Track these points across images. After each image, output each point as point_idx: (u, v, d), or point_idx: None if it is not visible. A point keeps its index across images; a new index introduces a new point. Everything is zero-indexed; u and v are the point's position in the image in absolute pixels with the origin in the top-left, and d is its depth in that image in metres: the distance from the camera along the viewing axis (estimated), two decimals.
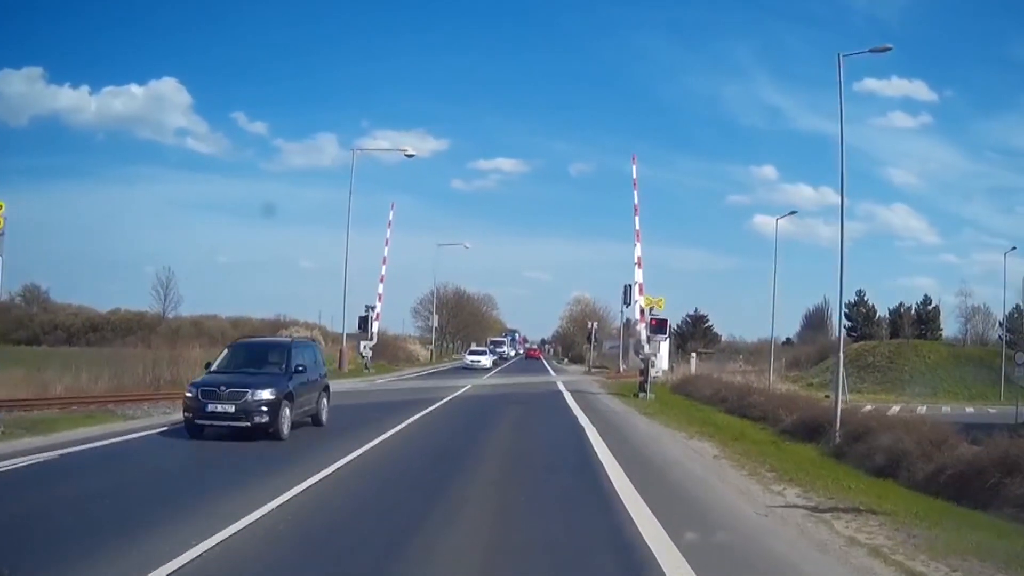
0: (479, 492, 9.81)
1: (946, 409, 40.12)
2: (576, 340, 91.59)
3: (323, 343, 65.65)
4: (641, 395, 27.78)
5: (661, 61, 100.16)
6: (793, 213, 54.56)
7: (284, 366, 14.36)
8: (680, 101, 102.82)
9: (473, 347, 65.90)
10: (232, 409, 13.19)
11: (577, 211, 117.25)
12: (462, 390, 28.89)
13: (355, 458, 11.65)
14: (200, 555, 6.28)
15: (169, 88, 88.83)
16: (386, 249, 45.85)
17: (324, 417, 16.01)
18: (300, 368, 14.51)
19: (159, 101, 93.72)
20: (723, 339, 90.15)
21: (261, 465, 11.13)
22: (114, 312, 73.61)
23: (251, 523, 7.40)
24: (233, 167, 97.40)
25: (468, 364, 52.56)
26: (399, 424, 16.31)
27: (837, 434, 16.92)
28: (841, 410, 17.69)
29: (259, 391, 13.31)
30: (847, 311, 75.99)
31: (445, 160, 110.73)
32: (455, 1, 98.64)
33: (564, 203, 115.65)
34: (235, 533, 7.01)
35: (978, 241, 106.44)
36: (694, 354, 54.14)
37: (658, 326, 29.09)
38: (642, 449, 14.63)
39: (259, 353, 15.43)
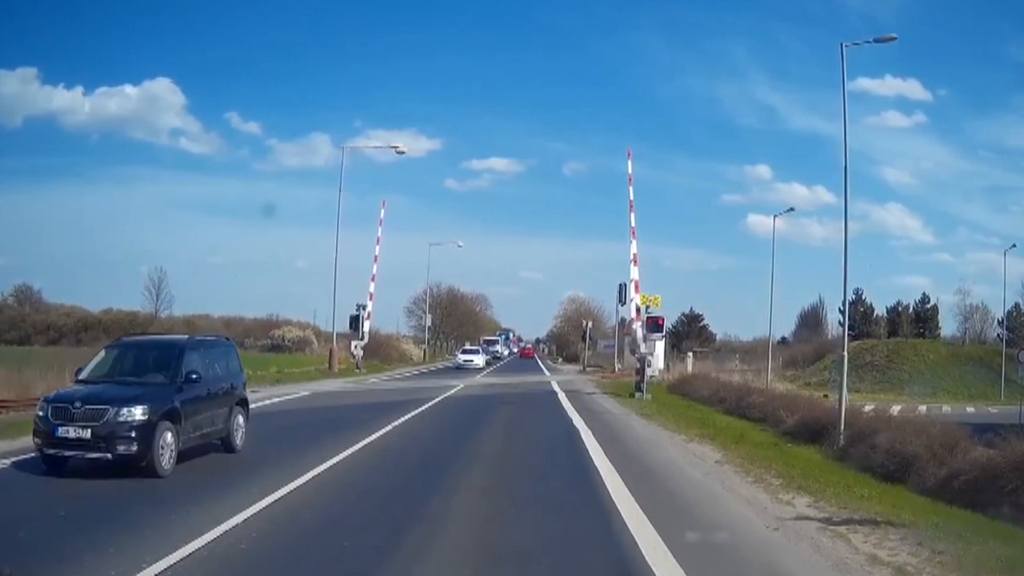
0: (465, 504, 8.99)
1: (947, 409, 39.61)
2: (571, 339, 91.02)
3: (316, 342, 66.21)
4: (637, 395, 27.04)
5: (656, 60, 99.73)
6: (791, 210, 53.90)
7: (171, 374, 10.84)
8: (675, 100, 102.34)
9: (466, 346, 65.24)
10: (88, 434, 9.65)
11: (571, 211, 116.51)
12: (453, 391, 28.14)
13: (323, 471, 10.55)
14: None
15: (163, 88, 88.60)
16: (377, 248, 45.19)
17: (239, 440, 12.30)
18: (194, 376, 10.98)
19: (153, 102, 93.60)
20: (718, 338, 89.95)
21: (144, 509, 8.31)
22: (106, 312, 73.70)
23: None
24: (227, 167, 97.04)
25: (461, 364, 51.91)
26: (382, 428, 15.38)
27: (841, 436, 16.26)
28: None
29: (126, 408, 9.77)
30: (843, 310, 75.61)
31: (439, 160, 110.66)
32: (449, 1, 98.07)
33: (558, 203, 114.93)
34: None
35: (973, 240, 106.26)
36: (691, 353, 53.48)
37: (654, 324, 28.37)
38: (640, 453, 13.86)
39: (141, 356, 11.58)
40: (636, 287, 29.33)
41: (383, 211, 46.36)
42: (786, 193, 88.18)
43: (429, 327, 74.49)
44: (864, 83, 74.56)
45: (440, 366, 55.73)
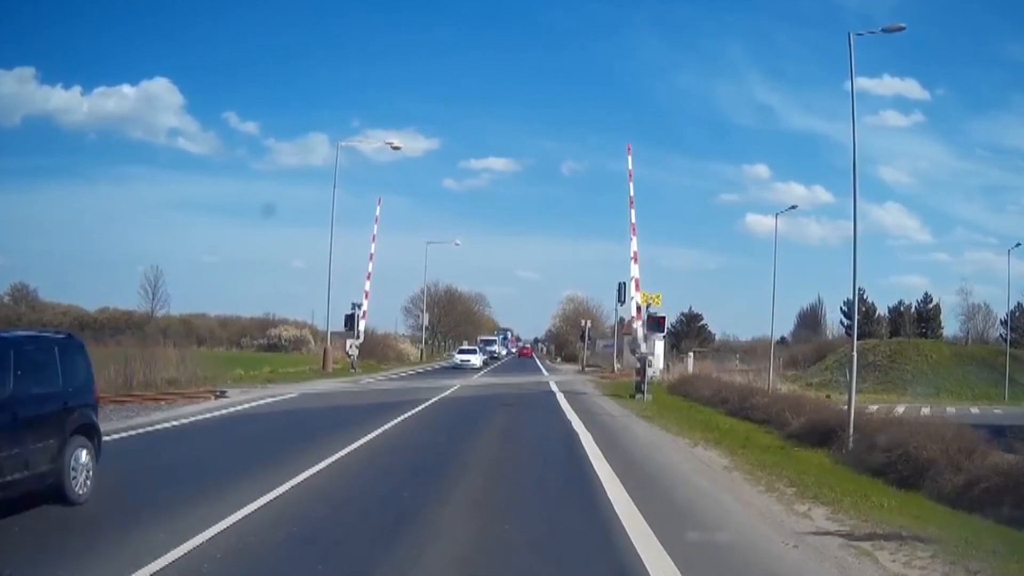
0: (454, 519, 8.18)
1: (951, 410, 38.95)
2: (569, 339, 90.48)
3: (313, 342, 65.64)
4: (638, 396, 26.37)
5: (653, 60, 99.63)
6: (794, 207, 53.48)
7: None
8: (672, 100, 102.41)
9: (463, 346, 64.57)
10: None
11: (569, 210, 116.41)
12: (449, 391, 27.42)
13: (303, 481, 9.69)
14: None
15: (161, 88, 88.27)
16: (373, 245, 44.59)
17: (80, 486, 8.39)
18: None
19: (151, 101, 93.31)
20: (716, 338, 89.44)
21: None
22: (102, 311, 73.76)
23: None
24: (225, 167, 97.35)
25: (458, 363, 51.26)
26: (370, 433, 14.50)
27: (850, 439, 15.60)
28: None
29: None
30: (846, 309, 75.04)
31: (436, 159, 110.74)
32: (447, 1, 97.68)
33: (556, 202, 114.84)
34: None
35: (970, 240, 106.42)
36: (691, 353, 52.80)
37: (655, 323, 27.67)
38: (643, 460, 13.08)
39: None
40: (636, 285, 28.60)
41: (379, 208, 46.09)
42: (784, 193, 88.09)
43: (426, 326, 73.85)
44: (862, 82, 73.79)
45: (437, 366, 55.06)
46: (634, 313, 28.72)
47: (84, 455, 8.54)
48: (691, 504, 9.46)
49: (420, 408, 20.38)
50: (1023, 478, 10.92)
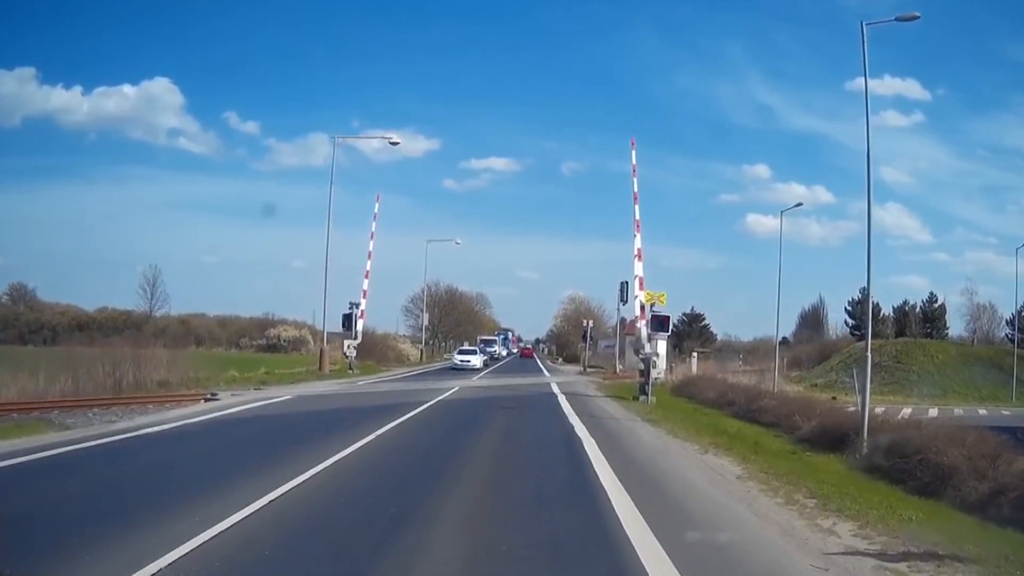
0: (444, 540, 7.33)
1: (958, 411, 38.35)
2: (571, 339, 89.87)
3: (312, 342, 65.05)
4: (642, 398, 25.65)
5: (653, 60, 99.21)
6: (799, 205, 52.93)
7: None
8: (672, 100, 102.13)
9: (463, 346, 63.83)
10: None
11: (569, 210, 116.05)
12: (447, 393, 26.67)
13: (280, 495, 8.89)
14: None
15: (161, 88, 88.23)
16: (371, 244, 43.92)
17: None
18: None
19: (151, 101, 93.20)
20: (718, 338, 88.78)
21: None
22: (101, 311, 73.80)
23: None
24: (225, 167, 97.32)
25: (457, 364, 50.52)
26: (360, 440, 13.55)
27: (864, 444, 14.90)
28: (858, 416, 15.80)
29: None
30: (851, 309, 74.34)
31: (437, 160, 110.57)
32: (447, 1, 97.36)
33: (556, 202, 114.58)
34: None
35: (970, 240, 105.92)
36: (695, 353, 52.07)
37: (659, 323, 26.92)
38: (650, 468, 12.30)
39: None
40: (640, 284, 27.84)
41: (377, 205, 45.61)
42: (784, 193, 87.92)
43: (426, 326, 73.15)
44: (863, 83, 73.34)
45: (437, 367, 54.30)
46: (638, 312, 27.98)
47: None
48: (706, 519, 8.69)
49: (415, 412, 19.57)
50: None
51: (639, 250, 28.18)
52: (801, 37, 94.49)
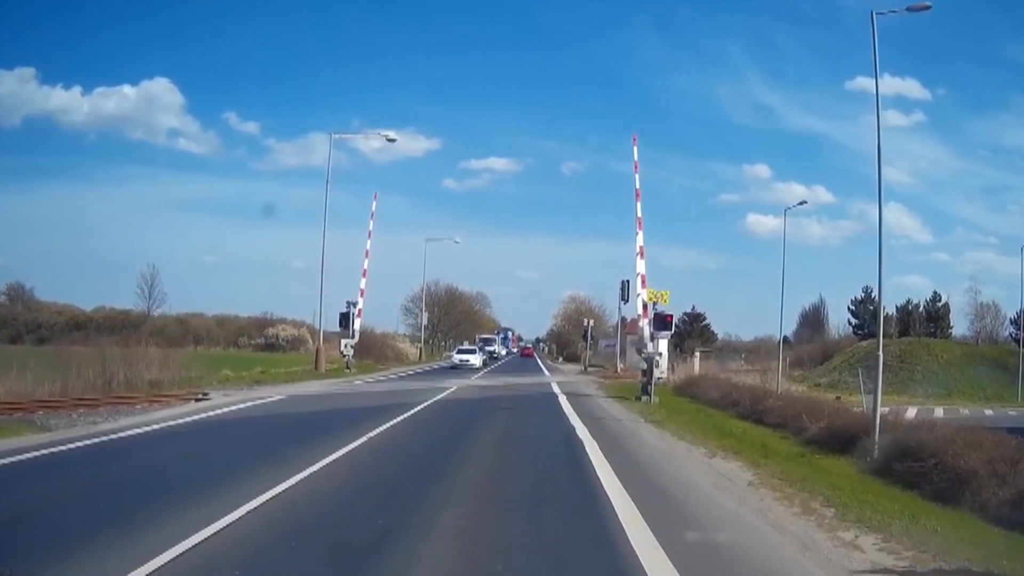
0: (435, 558, 6.62)
1: (964, 411, 37.82)
2: (571, 339, 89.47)
3: (311, 341, 64.61)
4: (644, 398, 25.07)
5: (653, 60, 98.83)
6: (804, 203, 52.42)
7: None
8: (672, 100, 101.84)
9: (462, 345, 63.26)
10: None
11: (569, 210, 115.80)
12: (445, 393, 26.10)
13: (255, 509, 8.15)
14: None
15: (161, 88, 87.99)
16: (369, 242, 43.31)
17: None
18: None
19: (151, 102, 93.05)
20: (719, 338, 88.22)
21: None
22: (98, 310, 73.59)
23: None
24: (224, 167, 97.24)
25: (457, 363, 49.98)
26: (350, 443, 12.84)
27: (875, 447, 14.32)
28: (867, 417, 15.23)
29: None
30: (854, 309, 73.70)
31: (437, 159, 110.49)
32: (447, 1, 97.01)
33: (556, 202, 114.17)
34: None
35: (970, 240, 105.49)
36: (698, 353, 51.53)
37: (662, 322, 26.31)
38: (656, 473, 11.66)
39: None
40: (643, 282, 27.20)
41: (375, 203, 45.17)
42: (784, 192, 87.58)
43: (426, 325, 72.62)
44: (863, 82, 73.18)
45: (436, 366, 53.77)
46: (640, 311, 27.35)
47: None
48: (718, 533, 8.04)
49: (410, 413, 18.90)
50: None
51: (641, 248, 27.54)
52: (801, 37, 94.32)
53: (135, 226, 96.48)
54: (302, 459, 10.72)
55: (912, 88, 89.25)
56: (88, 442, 12.74)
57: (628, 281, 40.05)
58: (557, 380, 38.47)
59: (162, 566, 5.95)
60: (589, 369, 55.51)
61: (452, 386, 29.53)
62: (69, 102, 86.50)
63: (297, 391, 25.34)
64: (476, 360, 52.06)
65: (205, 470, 10.77)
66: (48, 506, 8.29)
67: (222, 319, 76.23)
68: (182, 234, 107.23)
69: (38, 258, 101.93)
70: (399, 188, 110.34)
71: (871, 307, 71.61)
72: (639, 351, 29.15)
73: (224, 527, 7.15)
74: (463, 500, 9.17)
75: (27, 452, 11.41)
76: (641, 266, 27.42)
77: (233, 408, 19.15)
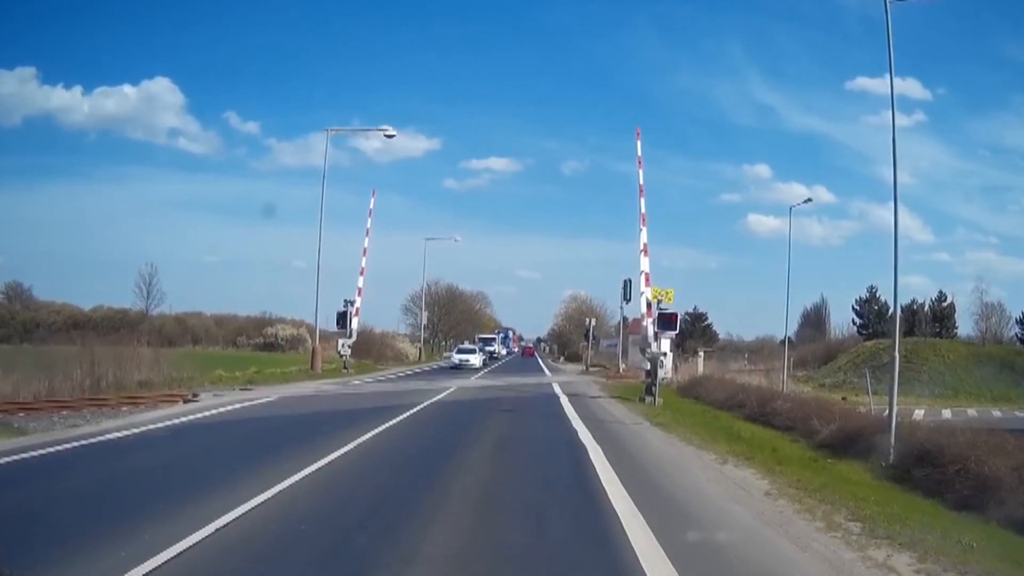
0: None
1: (972, 412, 37.24)
2: (572, 339, 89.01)
3: (310, 341, 63.94)
4: (648, 399, 24.35)
5: (653, 60, 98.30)
6: (809, 201, 51.83)
7: None
8: (672, 100, 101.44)
9: (462, 345, 62.61)
10: None
11: (570, 210, 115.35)
12: (443, 394, 25.40)
13: (229, 523, 7.50)
14: None
15: (162, 88, 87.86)
16: (367, 240, 42.68)
17: None
18: None
19: (152, 101, 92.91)
20: (721, 337, 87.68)
21: None
22: (96, 309, 73.11)
23: None
24: (225, 167, 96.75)
25: (456, 363, 49.36)
26: (341, 447, 12.15)
27: (892, 451, 13.65)
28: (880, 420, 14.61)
29: None
30: (858, 308, 73.02)
31: (437, 159, 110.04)
32: (446, 1, 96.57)
33: (557, 202, 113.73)
34: None
35: (971, 240, 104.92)
36: (701, 353, 50.88)
37: (667, 321, 25.59)
38: (665, 482, 10.91)
39: None
40: (647, 280, 26.48)
41: (373, 201, 44.74)
42: (785, 192, 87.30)
43: (425, 325, 72.02)
44: (863, 82, 72.82)
45: (435, 366, 53.13)
46: (644, 310, 26.62)
47: None
48: (738, 551, 7.26)
49: (405, 416, 18.13)
50: None
51: (645, 244, 26.84)
52: (801, 37, 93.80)
53: (135, 226, 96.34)
54: (282, 468, 9.96)
55: (912, 88, 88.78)
56: (61, 447, 12.02)
57: (630, 280, 39.51)
58: (558, 380, 37.81)
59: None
60: (591, 369, 54.87)
61: (451, 387, 28.86)
62: (70, 102, 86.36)
63: (290, 392, 24.65)
64: (476, 360, 51.46)
65: (174, 480, 10.02)
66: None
67: (221, 319, 75.79)
68: (182, 234, 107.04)
69: (37, 257, 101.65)
70: (399, 188, 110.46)
71: (876, 307, 70.98)
72: (642, 351, 28.46)
73: (174, 556, 6.26)
74: (454, 518, 8.25)
75: None
76: (645, 263, 26.73)
77: (221, 410, 18.45)
